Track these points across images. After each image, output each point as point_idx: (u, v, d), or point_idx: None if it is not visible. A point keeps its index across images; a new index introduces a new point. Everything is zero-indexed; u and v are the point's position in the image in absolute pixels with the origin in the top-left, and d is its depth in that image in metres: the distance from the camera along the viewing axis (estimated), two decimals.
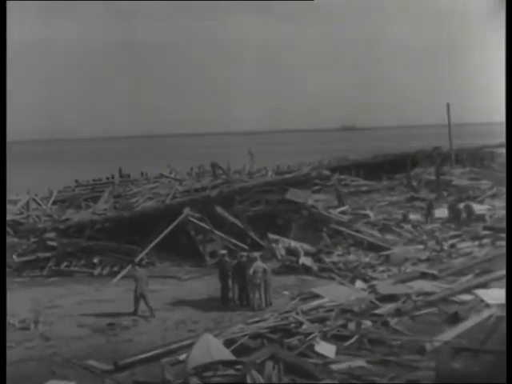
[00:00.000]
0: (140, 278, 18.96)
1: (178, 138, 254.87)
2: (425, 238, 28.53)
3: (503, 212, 31.07)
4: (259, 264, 19.53)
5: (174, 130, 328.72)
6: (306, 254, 24.69)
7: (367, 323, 17.05)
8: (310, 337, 15.82)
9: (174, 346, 15.51)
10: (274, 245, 25.11)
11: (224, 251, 21.85)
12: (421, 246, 26.95)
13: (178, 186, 41.37)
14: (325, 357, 14.83)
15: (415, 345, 15.49)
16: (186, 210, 26.62)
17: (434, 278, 21.65)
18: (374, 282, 21.21)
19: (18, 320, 18.31)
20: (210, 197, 29.06)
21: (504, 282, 17.22)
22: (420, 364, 14.29)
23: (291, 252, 24.74)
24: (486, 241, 27.38)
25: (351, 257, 25.30)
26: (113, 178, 50.20)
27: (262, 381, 12.61)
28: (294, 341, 15.66)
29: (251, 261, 19.74)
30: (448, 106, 54.10)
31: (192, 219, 26.50)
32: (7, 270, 23.98)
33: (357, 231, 28.20)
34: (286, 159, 67.07)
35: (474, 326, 16.84)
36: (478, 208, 33.59)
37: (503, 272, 19.19)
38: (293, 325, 16.79)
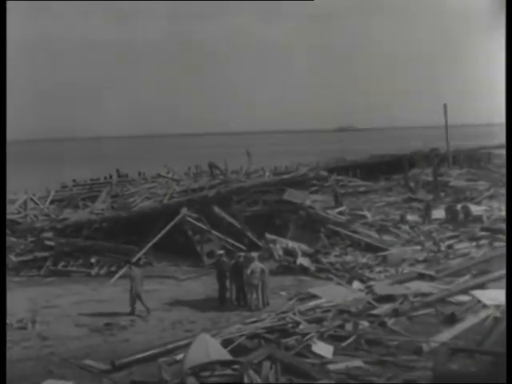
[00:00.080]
0: (135, 278, 18.98)
1: (176, 138, 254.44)
2: (422, 238, 28.55)
3: (500, 213, 31.21)
4: (257, 264, 19.53)
5: (173, 130, 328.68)
6: (304, 254, 24.69)
7: (364, 324, 17.05)
8: (307, 337, 15.82)
9: (171, 346, 15.50)
10: (271, 245, 25.11)
11: (221, 251, 21.86)
12: (418, 247, 26.98)
13: (175, 186, 41.43)
14: (322, 357, 14.82)
15: (412, 345, 15.47)
16: (184, 210, 26.63)
17: (431, 278, 21.65)
18: (371, 283, 21.21)
19: (16, 320, 18.27)
20: (208, 197, 29.07)
21: (501, 282, 17.35)
22: (417, 364, 14.31)
23: (289, 252, 24.74)
24: (483, 242, 27.39)
25: (348, 257, 25.29)
26: (110, 177, 50.08)
27: (259, 381, 12.62)
28: (291, 341, 15.65)
29: (249, 261, 19.74)
30: (445, 106, 54.04)
31: (189, 219, 26.51)
32: None
33: (354, 232, 28.23)
34: (283, 160, 67.03)
35: (471, 326, 16.83)
36: (476, 209, 33.65)
37: (500, 273, 19.33)
38: (290, 325, 16.78)
